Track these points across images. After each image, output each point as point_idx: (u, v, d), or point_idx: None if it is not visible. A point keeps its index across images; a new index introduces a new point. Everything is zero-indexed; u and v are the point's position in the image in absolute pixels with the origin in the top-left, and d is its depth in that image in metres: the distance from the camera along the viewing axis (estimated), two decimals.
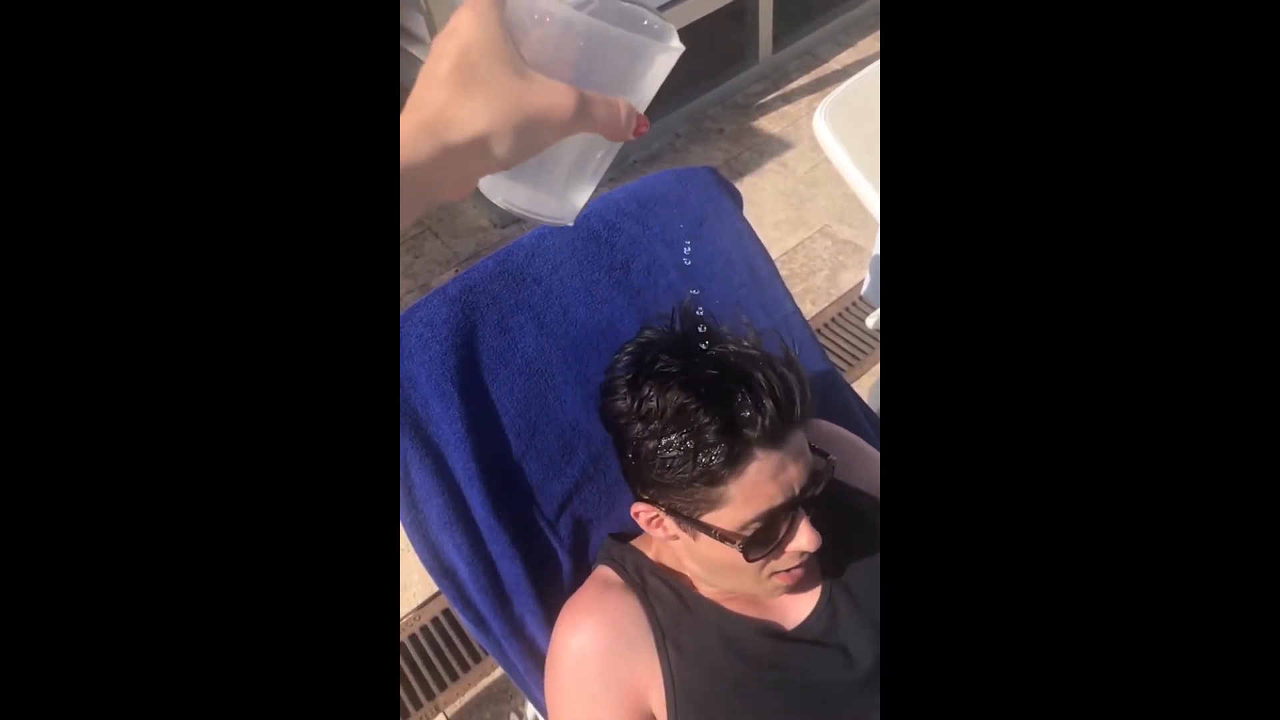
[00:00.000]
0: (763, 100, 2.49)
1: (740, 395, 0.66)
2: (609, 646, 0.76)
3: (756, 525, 0.68)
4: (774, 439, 0.66)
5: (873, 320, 1.72)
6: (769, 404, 0.66)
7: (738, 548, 0.68)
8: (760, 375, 0.66)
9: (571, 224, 0.45)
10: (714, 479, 0.67)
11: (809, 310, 1.89)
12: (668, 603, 0.78)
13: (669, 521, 0.73)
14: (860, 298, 1.84)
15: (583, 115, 0.39)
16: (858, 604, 0.77)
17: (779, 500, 0.68)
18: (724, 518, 0.69)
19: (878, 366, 1.80)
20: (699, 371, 0.67)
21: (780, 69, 2.57)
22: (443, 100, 0.37)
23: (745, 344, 0.70)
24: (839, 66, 2.54)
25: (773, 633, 0.77)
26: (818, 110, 1.42)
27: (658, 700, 0.75)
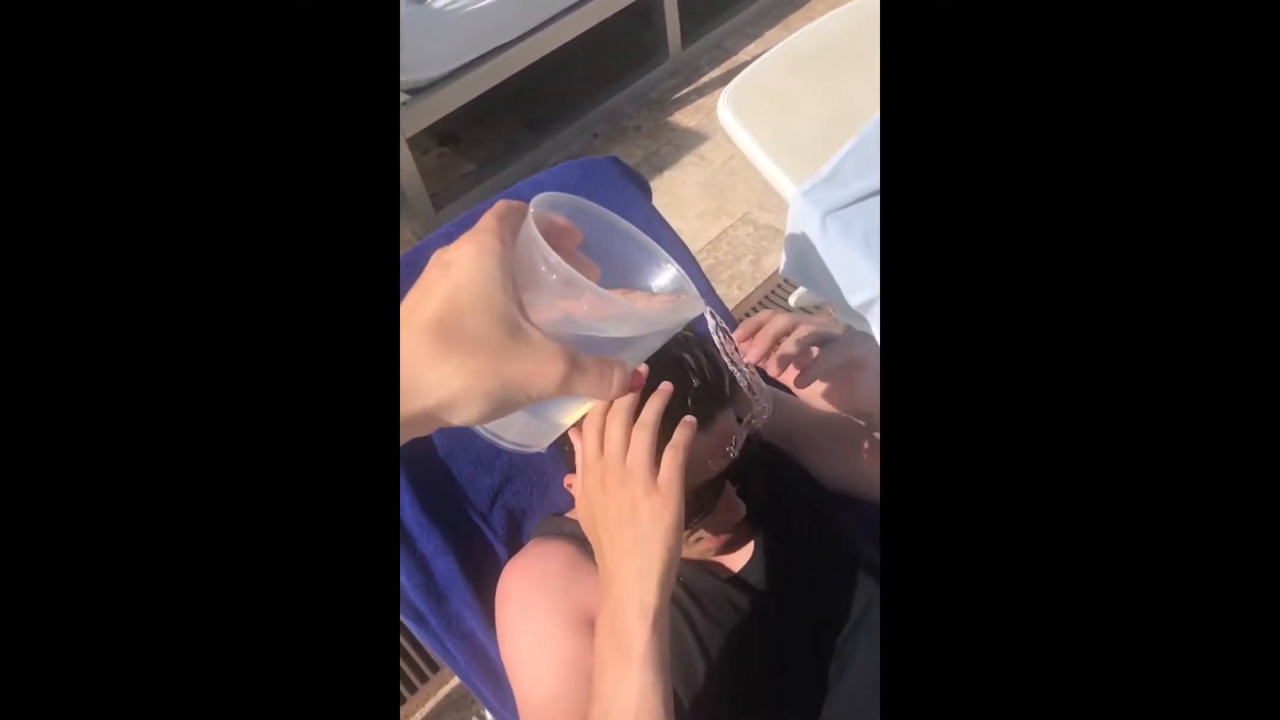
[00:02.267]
0: (676, 95, 2.53)
1: (669, 376, 0.68)
2: (553, 577, 0.76)
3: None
4: (701, 418, 0.68)
5: (795, 298, 1.76)
6: (697, 384, 0.68)
7: None
8: (689, 356, 0.69)
9: (544, 451, 0.41)
10: None
11: (735, 295, 1.92)
12: None
13: None
14: (784, 280, 1.88)
15: (569, 384, 0.34)
16: (790, 554, 0.80)
17: (708, 475, 0.70)
18: None
19: None
20: None
21: (691, 63, 2.62)
22: (413, 356, 0.32)
23: None
24: (748, 58, 2.59)
25: (715, 574, 0.79)
26: (720, 98, 1.45)
27: None
